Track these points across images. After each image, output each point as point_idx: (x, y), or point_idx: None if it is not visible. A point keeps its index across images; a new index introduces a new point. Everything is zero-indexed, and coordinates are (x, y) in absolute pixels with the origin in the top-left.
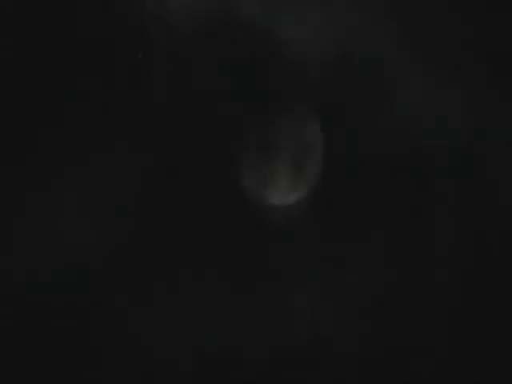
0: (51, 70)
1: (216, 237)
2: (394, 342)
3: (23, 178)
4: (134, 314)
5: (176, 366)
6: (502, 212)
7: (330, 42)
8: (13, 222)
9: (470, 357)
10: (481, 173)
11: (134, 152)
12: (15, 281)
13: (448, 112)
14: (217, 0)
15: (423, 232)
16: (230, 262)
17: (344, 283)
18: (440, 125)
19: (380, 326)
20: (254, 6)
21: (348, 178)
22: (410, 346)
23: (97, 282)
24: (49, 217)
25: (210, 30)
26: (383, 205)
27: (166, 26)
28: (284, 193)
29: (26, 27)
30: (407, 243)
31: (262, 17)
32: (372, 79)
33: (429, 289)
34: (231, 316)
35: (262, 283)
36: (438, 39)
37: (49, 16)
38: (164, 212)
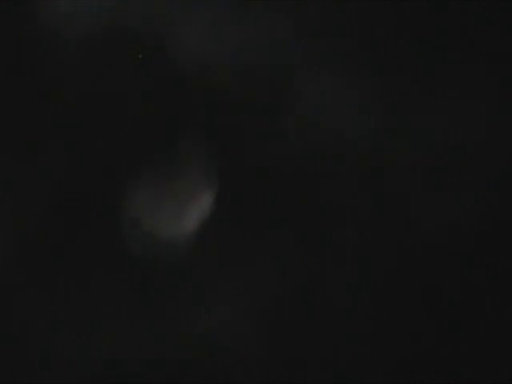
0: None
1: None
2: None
3: None
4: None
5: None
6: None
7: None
8: None
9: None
10: (391, 174)
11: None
12: None
13: (356, 112)
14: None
15: (331, 233)
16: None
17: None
18: (347, 125)
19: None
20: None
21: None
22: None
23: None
24: None
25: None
26: (292, 206)
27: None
28: (173, 225)
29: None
30: (314, 244)
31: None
32: (276, 82)
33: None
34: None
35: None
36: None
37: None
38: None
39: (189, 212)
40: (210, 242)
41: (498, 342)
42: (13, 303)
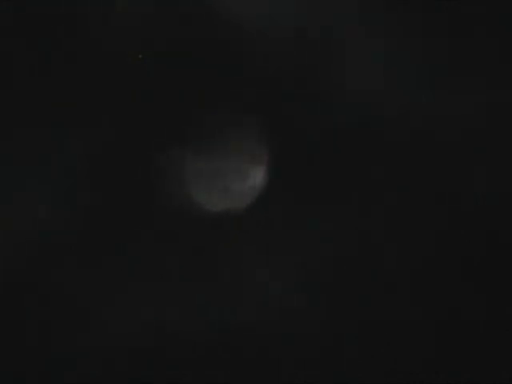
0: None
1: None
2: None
3: None
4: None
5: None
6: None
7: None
8: None
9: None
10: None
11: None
12: None
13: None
14: None
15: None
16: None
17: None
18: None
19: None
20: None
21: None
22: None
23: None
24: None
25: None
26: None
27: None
28: (231, 199)
29: (26, 29)
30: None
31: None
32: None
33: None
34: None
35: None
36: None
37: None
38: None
39: (241, 185)
40: (262, 214)
41: (498, 341)
42: (65, 287)
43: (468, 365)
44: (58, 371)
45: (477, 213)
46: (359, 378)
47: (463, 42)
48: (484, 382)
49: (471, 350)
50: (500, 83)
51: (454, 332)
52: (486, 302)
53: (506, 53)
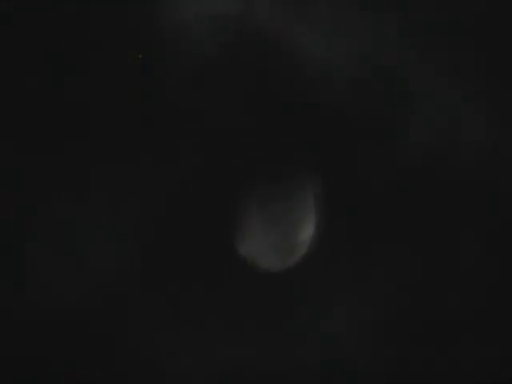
0: (53, 72)
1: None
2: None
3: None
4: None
5: None
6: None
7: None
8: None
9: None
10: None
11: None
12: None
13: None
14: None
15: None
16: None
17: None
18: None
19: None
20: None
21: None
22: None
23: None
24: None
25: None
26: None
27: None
28: (280, 260)
29: (28, 31)
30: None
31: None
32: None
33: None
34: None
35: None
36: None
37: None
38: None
39: (301, 229)
40: (324, 256)
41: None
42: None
43: (468, 364)
44: None
45: None
46: None
47: None
48: (484, 382)
49: (471, 349)
50: None
51: (454, 332)
52: (486, 300)
53: None
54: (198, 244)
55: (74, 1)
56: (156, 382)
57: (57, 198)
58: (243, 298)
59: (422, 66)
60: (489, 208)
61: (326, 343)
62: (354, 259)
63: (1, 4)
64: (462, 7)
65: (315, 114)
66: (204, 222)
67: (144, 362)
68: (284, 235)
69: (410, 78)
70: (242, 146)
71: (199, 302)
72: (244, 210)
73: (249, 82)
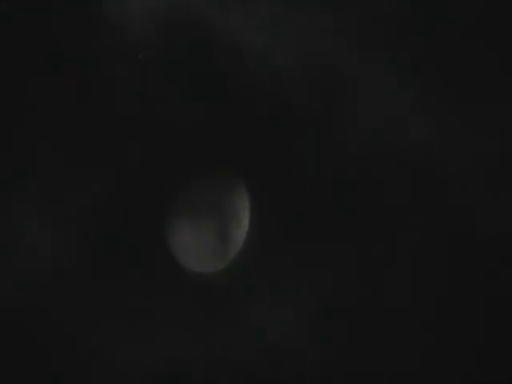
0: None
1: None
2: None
3: None
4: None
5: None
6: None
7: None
8: None
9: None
10: (442, 174)
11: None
12: None
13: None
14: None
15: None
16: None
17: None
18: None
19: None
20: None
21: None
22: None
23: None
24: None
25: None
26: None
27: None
28: (208, 261)
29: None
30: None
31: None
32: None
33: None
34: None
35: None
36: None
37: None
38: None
39: (233, 230)
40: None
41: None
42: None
43: (468, 365)
44: None
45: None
46: None
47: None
48: (484, 382)
49: (471, 350)
50: None
51: (454, 332)
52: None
53: None
54: (132, 244)
55: (74, 1)
56: (90, 380)
57: None
58: (174, 298)
59: (367, 65)
60: (425, 208)
61: (258, 339)
62: (286, 259)
63: (1, 4)
64: (412, 7)
65: (256, 113)
66: (138, 221)
67: (79, 361)
68: (216, 235)
69: (355, 77)
70: (177, 146)
71: (133, 301)
72: (177, 210)
73: (195, 81)
